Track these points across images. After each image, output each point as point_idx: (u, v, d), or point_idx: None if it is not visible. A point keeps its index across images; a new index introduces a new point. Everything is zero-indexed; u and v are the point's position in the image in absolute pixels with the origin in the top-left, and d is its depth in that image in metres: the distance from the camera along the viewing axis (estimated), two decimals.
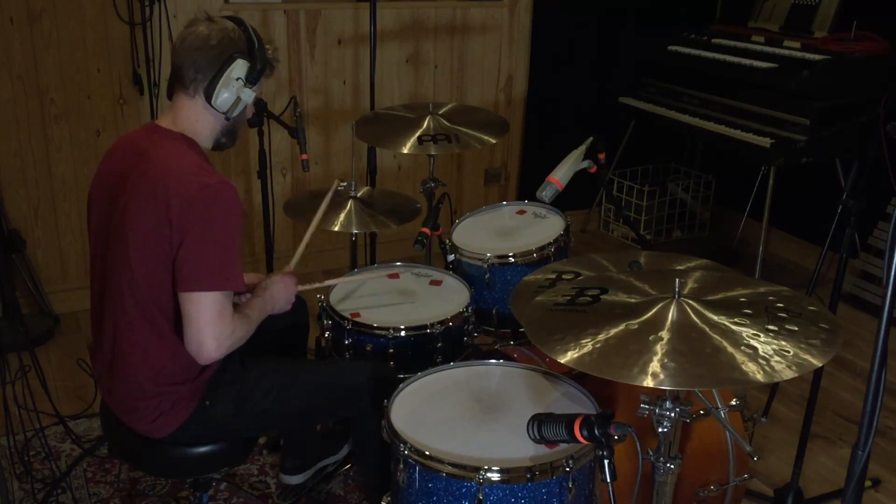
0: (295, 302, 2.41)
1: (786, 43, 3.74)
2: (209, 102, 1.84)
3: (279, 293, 2.02)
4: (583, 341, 1.47)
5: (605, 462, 1.51)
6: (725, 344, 1.43)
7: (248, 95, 1.88)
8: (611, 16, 4.41)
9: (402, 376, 1.97)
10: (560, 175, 2.29)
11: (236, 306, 1.88)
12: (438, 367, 1.99)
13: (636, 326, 1.49)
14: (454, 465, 1.63)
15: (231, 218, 1.77)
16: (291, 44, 3.76)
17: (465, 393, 1.90)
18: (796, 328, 1.48)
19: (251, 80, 1.87)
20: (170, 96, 1.92)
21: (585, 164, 2.34)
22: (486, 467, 1.60)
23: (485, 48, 4.22)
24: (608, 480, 1.51)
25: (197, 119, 1.88)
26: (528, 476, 1.61)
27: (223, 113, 1.88)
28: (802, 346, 1.43)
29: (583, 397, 1.86)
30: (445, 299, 2.44)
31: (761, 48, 3.78)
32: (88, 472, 2.61)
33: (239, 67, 1.84)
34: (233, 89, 1.84)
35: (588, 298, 1.63)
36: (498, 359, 2.04)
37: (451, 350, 2.33)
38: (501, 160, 4.47)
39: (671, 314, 1.51)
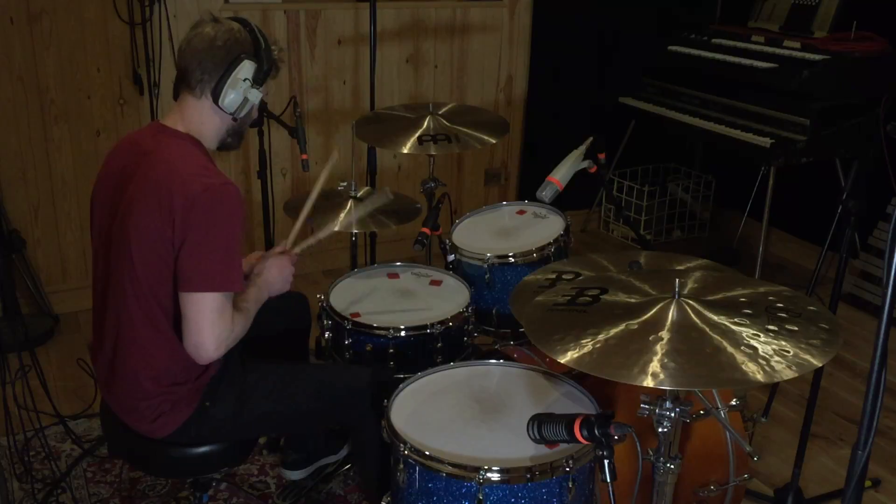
0: (296, 300, 2.42)
1: (786, 43, 3.74)
2: (216, 103, 1.84)
3: (274, 276, 2.00)
4: (583, 341, 1.47)
5: (605, 462, 1.51)
6: (725, 344, 1.43)
7: (255, 96, 1.88)
8: (611, 16, 4.41)
9: (401, 376, 1.98)
10: (560, 175, 2.29)
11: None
12: (438, 367, 2.00)
13: (636, 326, 1.49)
14: (454, 465, 1.63)
15: (233, 219, 1.77)
16: (291, 44, 3.76)
17: (466, 393, 1.90)
18: (796, 328, 1.48)
19: (258, 80, 1.87)
20: (175, 97, 1.92)
21: (585, 164, 2.34)
22: (486, 467, 1.60)
23: (485, 48, 4.22)
24: (608, 480, 1.51)
25: (203, 120, 1.88)
26: (528, 476, 1.61)
27: (230, 114, 1.88)
28: (802, 346, 1.43)
29: (583, 397, 1.86)
30: (445, 299, 2.44)
31: (761, 48, 3.78)
32: (88, 472, 2.61)
33: (246, 68, 1.84)
34: (240, 90, 1.84)
35: (588, 298, 1.63)
36: (498, 359, 2.04)
37: (451, 350, 2.33)
38: (501, 160, 4.47)
39: (671, 314, 1.51)
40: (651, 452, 1.71)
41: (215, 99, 1.84)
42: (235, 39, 1.83)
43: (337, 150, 2.42)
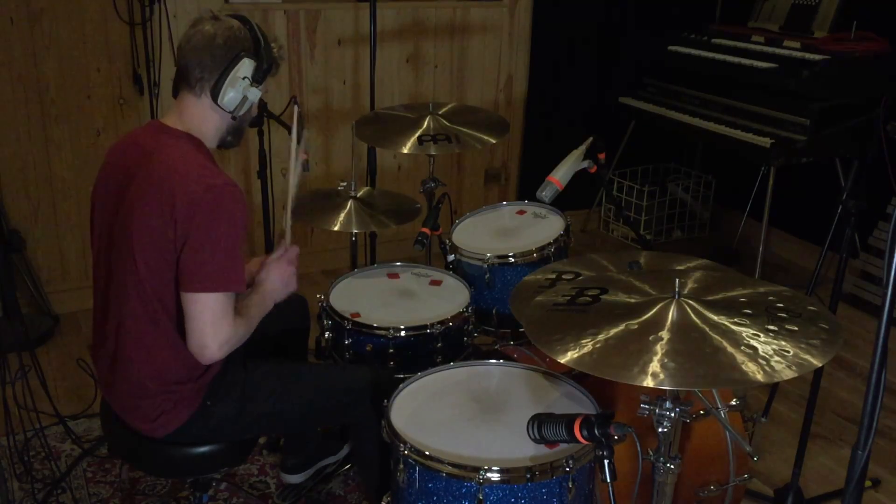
0: (296, 301, 2.42)
1: (786, 43, 3.74)
2: (215, 102, 1.84)
3: (275, 284, 1.99)
4: (583, 341, 1.47)
5: (605, 462, 1.51)
6: (725, 344, 1.43)
7: (255, 94, 1.87)
8: (611, 16, 4.41)
9: (402, 376, 1.97)
10: (560, 175, 2.29)
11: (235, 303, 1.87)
12: (438, 367, 1.99)
13: (636, 326, 1.49)
14: (454, 465, 1.63)
15: (235, 219, 1.77)
16: (291, 44, 3.76)
17: (465, 393, 1.90)
18: (796, 328, 1.48)
19: (257, 78, 1.86)
20: (175, 95, 1.91)
21: (585, 164, 2.34)
22: (486, 467, 1.60)
23: (485, 48, 4.22)
24: (608, 480, 1.51)
25: (203, 118, 1.88)
26: (528, 476, 1.61)
27: (229, 112, 1.87)
28: (802, 346, 1.43)
29: (583, 397, 1.86)
30: (445, 299, 2.44)
31: (761, 48, 3.78)
32: (88, 472, 2.61)
33: (245, 66, 1.84)
34: (239, 88, 1.84)
35: (588, 298, 1.63)
36: (498, 359, 2.04)
37: (451, 350, 2.33)
38: (501, 160, 4.47)
39: (671, 314, 1.51)
40: (651, 452, 1.70)
41: (214, 97, 1.84)
42: (235, 37, 1.83)
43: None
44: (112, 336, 1.88)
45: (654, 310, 1.53)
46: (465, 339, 2.39)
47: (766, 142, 3.53)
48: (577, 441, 1.53)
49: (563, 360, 1.44)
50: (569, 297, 1.65)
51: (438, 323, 2.28)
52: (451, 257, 2.61)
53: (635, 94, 4.36)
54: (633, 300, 1.59)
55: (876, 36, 3.63)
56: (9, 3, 3.20)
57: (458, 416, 1.81)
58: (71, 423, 2.76)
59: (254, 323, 1.88)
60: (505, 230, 2.75)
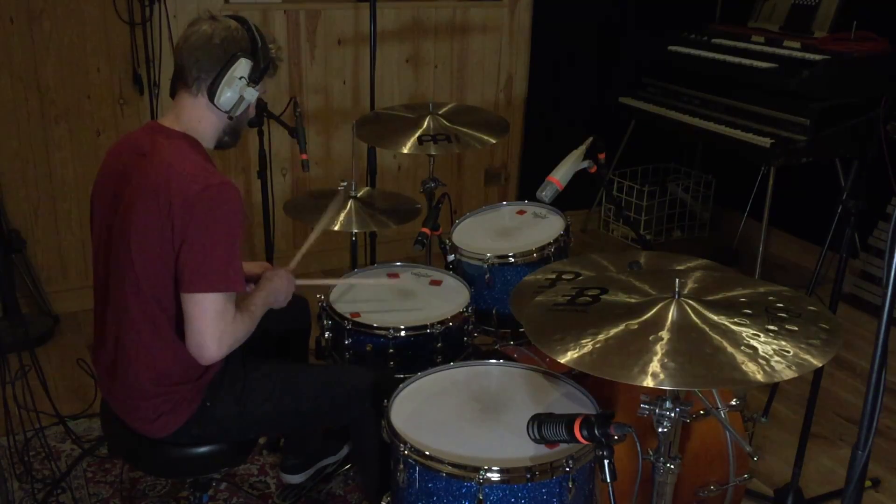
0: (296, 302, 2.42)
1: (786, 43, 3.74)
2: (212, 101, 1.84)
3: (280, 287, 2.02)
4: (583, 341, 1.47)
5: (605, 462, 1.51)
6: (725, 344, 1.43)
7: (251, 94, 1.87)
8: (611, 16, 4.41)
9: (402, 376, 1.98)
10: (560, 175, 2.29)
11: (239, 300, 1.87)
12: (438, 367, 1.99)
13: (636, 326, 1.49)
14: (454, 465, 1.63)
15: (233, 219, 1.77)
16: (291, 44, 3.76)
17: (465, 393, 1.90)
18: (796, 328, 1.48)
19: (254, 79, 1.87)
20: (172, 95, 1.91)
21: (585, 164, 2.33)
22: (486, 467, 1.60)
23: (485, 48, 4.22)
24: (608, 480, 1.51)
25: (200, 118, 1.88)
26: (528, 476, 1.61)
27: (226, 112, 1.87)
28: (802, 346, 1.43)
29: (583, 397, 1.86)
30: (445, 299, 2.44)
31: (761, 48, 3.78)
32: (88, 472, 2.61)
33: (242, 66, 1.84)
34: (236, 88, 1.84)
35: (588, 298, 1.63)
36: (498, 359, 2.04)
37: (451, 350, 2.33)
38: (501, 160, 4.47)
39: (671, 314, 1.51)
40: (651, 452, 1.71)
41: (211, 97, 1.84)
42: (232, 37, 1.83)
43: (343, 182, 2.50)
44: (111, 337, 1.88)
45: (654, 310, 1.53)
46: (465, 339, 2.39)
47: (766, 142, 3.53)
48: (577, 441, 1.53)
49: (563, 360, 1.44)
50: (569, 297, 1.65)
51: (438, 323, 2.28)
52: (451, 257, 2.61)
53: (635, 94, 4.36)
54: (633, 300, 1.59)
55: (876, 36, 3.63)
56: (9, 3, 3.20)
57: (458, 416, 1.81)
58: (71, 423, 2.76)
59: (256, 321, 1.88)
60: (505, 230, 2.75)
